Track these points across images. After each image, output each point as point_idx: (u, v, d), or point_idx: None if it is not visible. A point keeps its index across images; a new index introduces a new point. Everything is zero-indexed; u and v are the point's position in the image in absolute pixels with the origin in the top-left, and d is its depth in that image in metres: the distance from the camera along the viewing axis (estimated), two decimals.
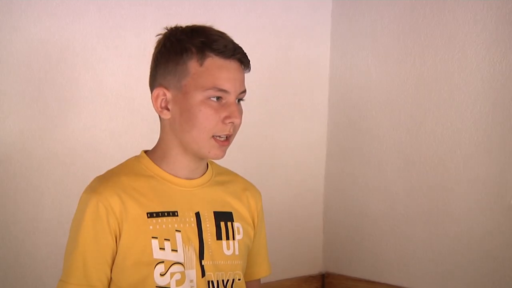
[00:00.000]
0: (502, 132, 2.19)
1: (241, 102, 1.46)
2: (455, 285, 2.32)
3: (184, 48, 1.41)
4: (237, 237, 1.51)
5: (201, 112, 1.40)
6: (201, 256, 1.45)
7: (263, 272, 1.66)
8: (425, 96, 2.39)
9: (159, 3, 2.20)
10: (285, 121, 2.60)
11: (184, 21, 1.48)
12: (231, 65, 1.41)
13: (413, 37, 2.42)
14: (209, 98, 1.40)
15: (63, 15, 2.00)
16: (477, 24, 2.24)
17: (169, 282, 1.40)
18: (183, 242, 1.43)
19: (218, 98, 1.41)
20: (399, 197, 2.47)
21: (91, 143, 2.07)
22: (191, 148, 1.44)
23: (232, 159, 1.61)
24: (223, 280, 1.47)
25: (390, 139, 2.50)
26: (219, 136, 1.42)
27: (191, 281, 1.43)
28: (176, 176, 1.47)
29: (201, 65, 1.40)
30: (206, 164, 1.53)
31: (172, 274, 1.41)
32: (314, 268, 2.71)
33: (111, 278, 1.42)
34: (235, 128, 1.44)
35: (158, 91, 1.43)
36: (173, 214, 1.44)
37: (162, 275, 1.40)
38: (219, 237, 1.48)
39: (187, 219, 1.45)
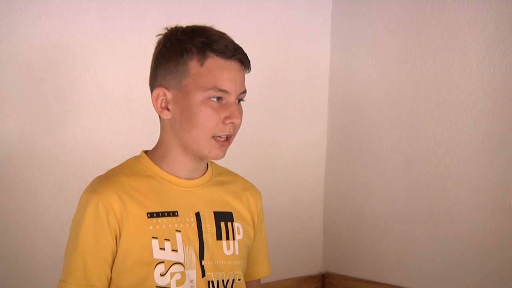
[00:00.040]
0: (502, 132, 2.19)
1: (241, 102, 1.46)
2: (455, 285, 2.32)
3: (184, 48, 1.41)
4: (237, 237, 1.51)
5: (201, 112, 1.40)
6: (201, 256, 1.45)
7: (263, 272, 1.65)
8: (425, 96, 2.39)
9: (159, 3, 2.20)
10: (285, 121, 2.60)
11: (184, 21, 1.48)
12: (232, 66, 1.41)
13: (413, 37, 2.42)
14: (210, 98, 1.40)
15: (63, 15, 2.00)
16: (477, 24, 2.24)
17: (169, 282, 1.40)
18: (183, 242, 1.43)
19: (219, 98, 1.41)
20: (399, 197, 2.47)
21: (91, 143, 2.07)
22: (191, 148, 1.44)
23: (232, 159, 1.61)
24: (223, 280, 1.47)
25: (390, 139, 2.50)
26: (219, 136, 1.42)
27: (191, 281, 1.43)
28: (176, 176, 1.47)
29: (201, 65, 1.40)
30: (206, 164, 1.53)
31: (172, 274, 1.41)
32: (314, 268, 2.71)
33: (111, 278, 1.42)
34: (235, 128, 1.44)
35: (159, 91, 1.43)
36: (173, 214, 1.44)
37: (162, 275, 1.40)
38: (219, 237, 1.48)
39: (187, 219, 1.45)
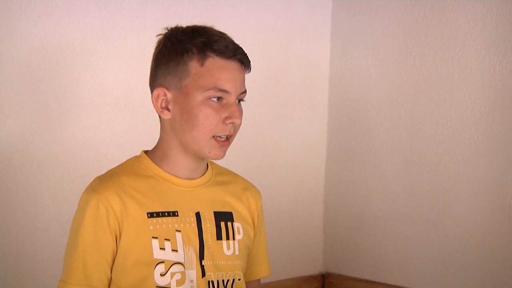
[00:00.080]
0: (502, 132, 2.19)
1: (242, 102, 1.46)
2: (455, 285, 2.32)
3: (185, 49, 1.41)
4: (237, 237, 1.51)
5: (201, 112, 1.40)
6: (201, 256, 1.45)
7: (263, 272, 1.65)
8: (425, 96, 2.39)
9: (159, 3, 2.20)
10: (285, 121, 2.60)
11: (184, 21, 1.48)
12: (232, 66, 1.41)
13: (413, 37, 2.42)
14: (210, 98, 1.40)
15: (63, 15, 2.00)
16: (477, 24, 2.24)
17: (170, 282, 1.40)
18: (183, 242, 1.43)
19: (219, 98, 1.41)
20: (399, 197, 2.47)
21: (91, 143, 2.07)
22: (191, 148, 1.44)
23: (232, 159, 1.61)
24: (223, 280, 1.47)
25: (390, 139, 2.50)
26: (220, 137, 1.42)
27: (191, 281, 1.43)
28: (176, 176, 1.47)
29: (202, 65, 1.40)
30: (206, 164, 1.53)
31: (172, 274, 1.41)
32: (314, 268, 2.71)
33: (111, 278, 1.42)
34: (236, 128, 1.44)
35: (159, 91, 1.43)
36: (173, 214, 1.44)
37: (162, 275, 1.40)
38: (219, 237, 1.48)
39: (187, 219, 1.45)
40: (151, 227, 1.41)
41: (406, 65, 2.44)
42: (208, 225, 1.47)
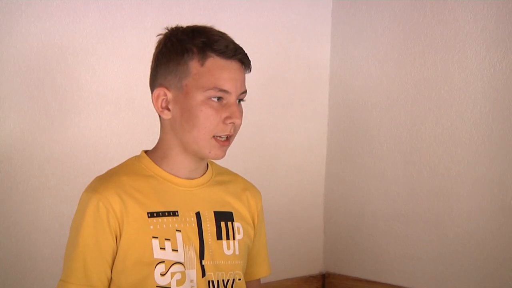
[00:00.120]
0: (502, 132, 2.19)
1: (242, 102, 1.46)
2: (455, 285, 2.32)
3: (185, 48, 1.41)
4: (237, 237, 1.52)
5: (202, 112, 1.40)
6: (201, 256, 1.45)
7: (263, 272, 1.66)
8: (425, 96, 2.39)
9: (159, 3, 2.20)
10: (285, 121, 2.60)
11: (184, 21, 1.48)
12: (232, 66, 1.41)
13: (413, 37, 2.42)
14: (210, 98, 1.40)
15: (63, 16, 2.00)
16: (477, 24, 2.24)
17: (170, 282, 1.41)
18: (183, 242, 1.43)
19: (219, 98, 1.41)
20: (399, 197, 2.47)
21: (91, 143, 2.07)
22: (191, 148, 1.44)
23: (232, 159, 1.61)
24: (223, 280, 1.47)
25: (390, 139, 2.50)
26: (220, 136, 1.42)
27: (192, 281, 1.43)
28: (176, 176, 1.47)
29: (202, 65, 1.40)
30: (206, 164, 1.53)
31: (172, 274, 1.41)
32: (314, 268, 2.71)
33: (111, 278, 1.42)
34: (236, 128, 1.44)
35: (159, 91, 1.44)
36: (174, 214, 1.44)
37: (162, 275, 1.40)
38: (219, 237, 1.48)
39: (188, 219, 1.45)
40: (151, 227, 1.41)
41: (406, 65, 2.44)
42: (208, 225, 1.47)
